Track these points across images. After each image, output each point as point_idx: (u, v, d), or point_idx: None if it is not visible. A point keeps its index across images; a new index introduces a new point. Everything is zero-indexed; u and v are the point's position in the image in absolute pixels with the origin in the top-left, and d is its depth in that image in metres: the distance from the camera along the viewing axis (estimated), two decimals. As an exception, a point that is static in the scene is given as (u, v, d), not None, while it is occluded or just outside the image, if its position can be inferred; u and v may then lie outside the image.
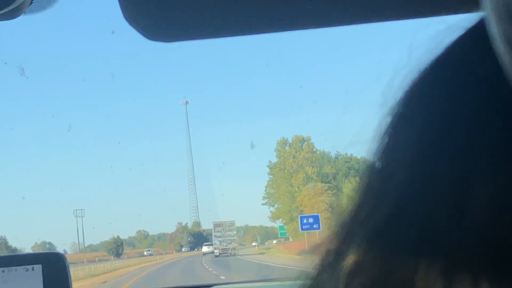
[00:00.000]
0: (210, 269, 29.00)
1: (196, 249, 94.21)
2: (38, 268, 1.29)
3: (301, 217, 44.35)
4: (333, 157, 56.00)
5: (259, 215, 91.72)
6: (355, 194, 0.38)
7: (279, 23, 0.79)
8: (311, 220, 43.34)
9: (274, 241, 63.47)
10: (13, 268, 1.28)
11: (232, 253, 45.96)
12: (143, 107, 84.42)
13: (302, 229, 43.97)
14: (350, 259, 0.34)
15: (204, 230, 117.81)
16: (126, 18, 0.74)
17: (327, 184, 52.28)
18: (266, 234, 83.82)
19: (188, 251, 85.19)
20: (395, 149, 0.37)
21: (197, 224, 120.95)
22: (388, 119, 0.38)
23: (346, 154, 56.27)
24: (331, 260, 0.36)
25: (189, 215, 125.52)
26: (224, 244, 47.02)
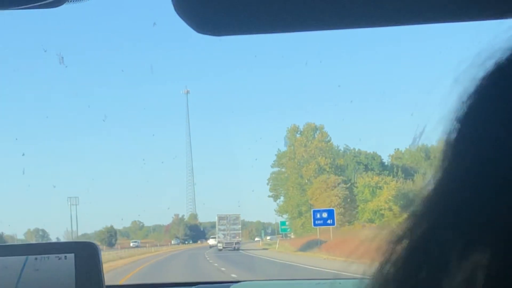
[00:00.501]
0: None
1: (189, 242, 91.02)
2: (70, 257, 1.29)
3: (314, 212, 40.93)
4: (341, 150, 52.38)
5: (257, 209, 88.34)
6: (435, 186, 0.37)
7: (330, 22, 0.82)
8: (325, 215, 39.88)
9: (275, 237, 60.40)
10: (46, 256, 1.27)
11: (236, 247, 44.64)
12: (145, 96, 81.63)
13: (315, 225, 40.45)
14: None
15: (201, 223, 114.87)
16: (176, 10, 0.75)
17: (341, 177, 48.46)
18: (260, 230, 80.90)
19: (177, 244, 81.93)
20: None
21: (194, 216, 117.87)
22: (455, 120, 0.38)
23: (354, 148, 52.96)
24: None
25: (185, 207, 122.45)
26: (228, 238, 45.72)
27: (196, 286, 1.90)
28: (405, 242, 0.38)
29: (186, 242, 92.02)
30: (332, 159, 50.60)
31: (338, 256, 28.68)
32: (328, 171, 49.42)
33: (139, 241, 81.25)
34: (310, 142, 50.59)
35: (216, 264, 26.03)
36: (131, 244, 75.28)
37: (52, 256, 1.31)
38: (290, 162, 50.91)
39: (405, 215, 0.38)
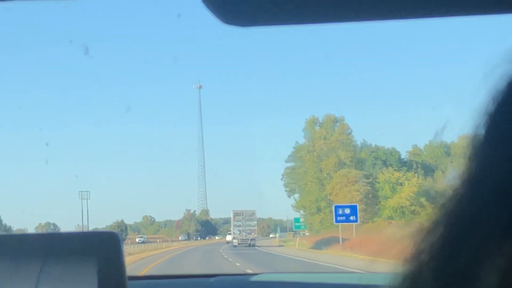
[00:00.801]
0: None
1: (196, 238, 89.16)
2: (91, 246, 1.32)
3: (336, 207, 38.97)
4: (359, 145, 50.30)
5: (269, 206, 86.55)
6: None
7: (357, 14, 0.81)
8: (347, 211, 37.84)
9: (290, 233, 58.73)
10: (68, 245, 1.31)
11: (252, 244, 43.74)
12: (156, 92, 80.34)
13: (337, 221, 38.41)
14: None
15: (212, 219, 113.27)
16: (203, 2, 0.76)
17: (362, 172, 46.32)
18: (274, 227, 79.35)
19: (185, 240, 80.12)
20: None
21: (205, 212, 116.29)
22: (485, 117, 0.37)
23: (371, 144, 51.09)
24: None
25: (197, 203, 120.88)
26: (244, 234, 45.06)
27: (216, 277, 1.88)
28: (439, 231, 0.38)
29: (194, 238, 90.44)
30: (353, 153, 48.52)
31: (363, 254, 26.50)
32: (348, 165, 47.40)
33: (145, 236, 79.37)
34: (330, 134, 48.51)
35: (238, 264, 23.77)
36: (137, 240, 73.37)
37: (75, 244, 1.32)
38: (308, 155, 48.80)
39: (434, 208, 0.38)
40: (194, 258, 31.01)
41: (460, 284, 0.34)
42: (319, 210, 47.82)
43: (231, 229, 47.33)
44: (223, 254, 32.26)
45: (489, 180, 0.36)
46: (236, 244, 43.06)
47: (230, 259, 27.66)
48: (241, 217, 45.84)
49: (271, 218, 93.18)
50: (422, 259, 0.37)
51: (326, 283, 2.25)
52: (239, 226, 45.47)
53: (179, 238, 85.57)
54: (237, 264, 23.96)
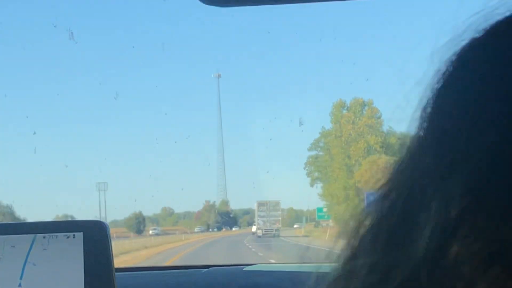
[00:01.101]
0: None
1: (213, 230, 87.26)
2: (79, 235, 1.30)
3: (367, 194, 36.47)
4: (385, 131, 47.85)
5: (290, 196, 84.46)
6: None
7: None
8: (380, 198, 35.53)
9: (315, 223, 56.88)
10: (54, 234, 1.30)
11: (276, 234, 43.57)
12: (175, 77, 78.33)
13: (369, 209, 36.22)
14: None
15: (232, 210, 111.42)
16: None
17: (393, 158, 43.85)
18: (296, 217, 77.74)
19: (201, 232, 78.14)
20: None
21: (225, 203, 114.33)
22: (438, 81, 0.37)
23: (396, 131, 48.71)
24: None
25: (216, 194, 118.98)
26: (268, 224, 44.72)
27: (209, 269, 1.90)
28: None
29: (211, 230, 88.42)
30: (383, 138, 46.16)
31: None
32: (378, 151, 45.07)
33: (159, 228, 77.21)
34: (358, 118, 46.18)
35: (272, 261, 21.36)
36: (150, 232, 71.22)
37: (60, 234, 1.29)
38: (336, 141, 46.59)
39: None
40: (219, 250, 28.89)
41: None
42: (347, 199, 45.60)
43: (255, 219, 47.19)
44: (248, 245, 29.92)
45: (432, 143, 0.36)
46: (260, 234, 42.64)
47: (260, 254, 25.33)
48: (265, 207, 45.61)
49: (292, 208, 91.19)
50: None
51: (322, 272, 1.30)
52: (263, 216, 45.23)
53: (195, 230, 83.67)
54: (272, 261, 21.53)
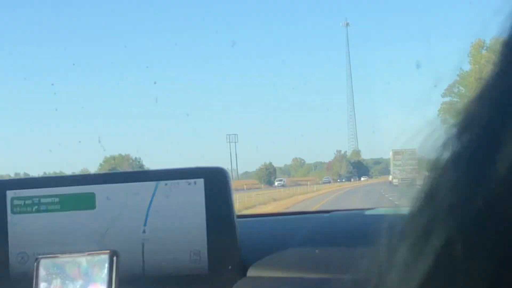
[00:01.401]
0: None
1: (341, 181, 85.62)
2: (200, 182, 1.32)
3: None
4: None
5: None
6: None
7: None
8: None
9: None
10: (176, 181, 1.32)
11: (413, 183, 40.80)
12: (302, 26, 76.57)
13: None
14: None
15: (364, 160, 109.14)
16: None
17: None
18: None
19: (328, 182, 76.59)
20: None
21: (357, 153, 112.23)
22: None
23: None
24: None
25: (347, 143, 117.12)
26: (404, 173, 41.12)
27: (330, 213, 1.85)
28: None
29: (339, 180, 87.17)
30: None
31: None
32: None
33: (284, 179, 77.12)
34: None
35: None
36: (276, 184, 71.22)
37: (182, 181, 1.31)
38: (476, 83, 43.27)
39: None
40: (356, 198, 27.99)
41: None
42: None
43: (391, 168, 46.27)
44: (385, 194, 28.53)
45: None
46: (397, 183, 41.00)
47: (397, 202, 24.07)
48: (401, 156, 43.76)
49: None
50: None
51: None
52: (399, 165, 43.97)
53: (323, 180, 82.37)
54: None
